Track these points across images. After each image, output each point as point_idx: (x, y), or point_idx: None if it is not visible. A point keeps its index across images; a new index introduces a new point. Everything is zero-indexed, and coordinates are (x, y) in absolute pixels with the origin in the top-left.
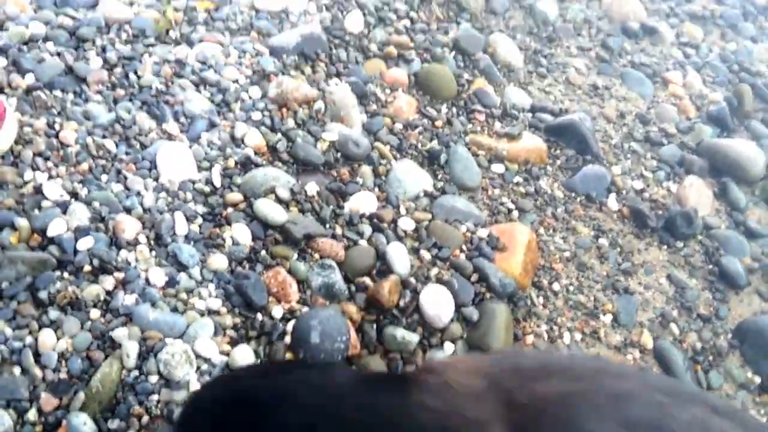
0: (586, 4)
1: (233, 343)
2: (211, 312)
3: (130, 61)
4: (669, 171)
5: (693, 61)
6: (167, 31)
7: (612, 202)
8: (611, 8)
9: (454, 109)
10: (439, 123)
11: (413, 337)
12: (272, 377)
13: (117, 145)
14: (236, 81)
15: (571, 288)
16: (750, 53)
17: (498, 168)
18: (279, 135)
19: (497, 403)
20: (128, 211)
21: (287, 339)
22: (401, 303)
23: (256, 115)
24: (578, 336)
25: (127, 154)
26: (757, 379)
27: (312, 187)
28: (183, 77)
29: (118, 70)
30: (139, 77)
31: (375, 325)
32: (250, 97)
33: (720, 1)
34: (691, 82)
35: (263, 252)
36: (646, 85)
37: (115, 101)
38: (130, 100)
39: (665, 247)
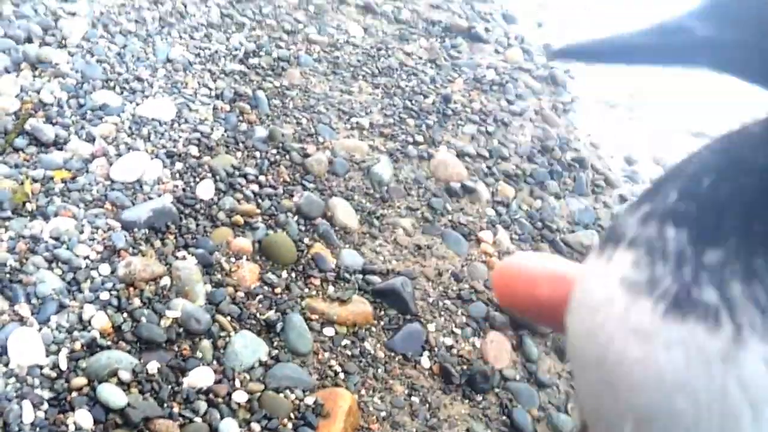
0: (416, 165)
1: None
2: None
3: None
4: (475, 327)
5: (503, 219)
6: (24, 203)
7: (425, 360)
8: (437, 169)
9: (293, 274)
10: (278, 290)
11: None
12: None
13: None
14: (87, 257)
15: None
16: (553, 209)
17: (329, 331)
18: (125, 315)
19: None
20: None
21: None
22: None
23: (104, 295)
24: None
25: None
26: None
27: (153, 366)
28: (37, 254)
29: None
30: None
31: None
32: (99, 275)
33: (531, 159)
34: (501, 240)
35: None
36: (461, 244)
37: None
38: None
39: (467, 401)
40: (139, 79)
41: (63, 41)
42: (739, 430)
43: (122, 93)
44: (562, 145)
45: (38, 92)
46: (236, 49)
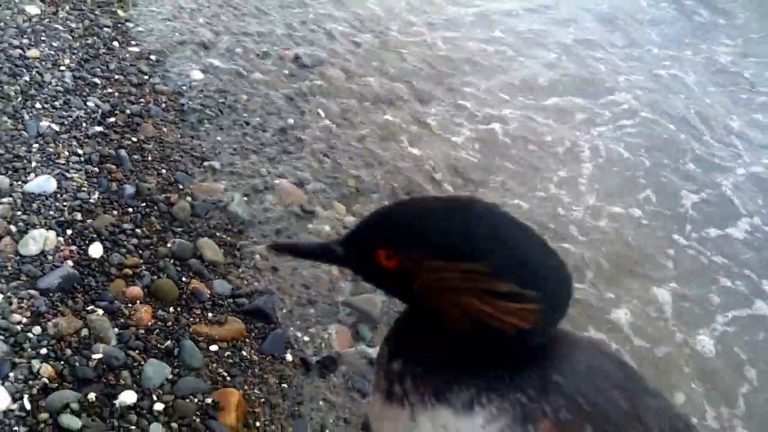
0: (265, 196)
1: None
2: None
3: None
4: (321, 321)
5: (337, 233)
6: None
7: (288, 356)
8: (282, 196)
9: (179, 308)
10: (169, 323)
11: None
12: None
13: None
14: (20, 323)
15: (266, 422)
16: None
17: (214, 348)
18: (62, 363)
19: None
20: None
21: None
22: None
23: (43, 350)
24: None
25: None
26: None
27: (92, 395)
28: None
29: None
30: None
31: None
32: (34, 335)
33: (359, 180)
34: None
35: None
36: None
37: None
38: None
39: (322, 379)
40: (18, 157)
41: None
42: None
43: (8, 173)
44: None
45: None
46: (94, 112)
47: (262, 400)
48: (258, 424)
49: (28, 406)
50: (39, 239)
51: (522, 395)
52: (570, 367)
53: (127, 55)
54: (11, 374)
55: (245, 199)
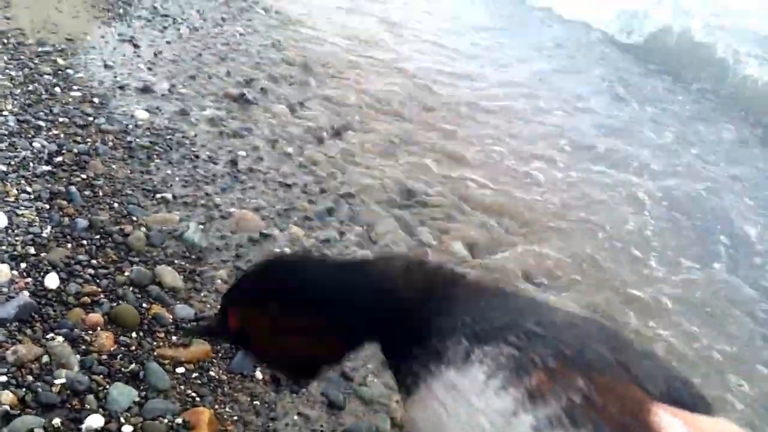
0: (220, 224)
1: None
2: None
3: None
4: None
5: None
6: None
7: (258, 374)
8: (239, 223)
9: (141, 333)
10: (133, 347)
11: None
12: None
13: None
14: None
15: None
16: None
17: (180, 369)
18: (24, 389)
19: None
20: None
21: None
22: None
23: (3, 378)
24: None
25: None
26: None
27: (57, 420)
28: None
29: None
30: None
31: None
32: None
33: (314, 204)
34: None
35: None
36: None
37: None
38: None
39: (294, 394)
40: None
41: None
42: None
43: None
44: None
45: None
46: (41, 152)
47: (235, 418)
48: None
49: None
50: None
51: (509, 347)
52: (543, 319)
53: (70, 99)
54: None
55: (201, 227)
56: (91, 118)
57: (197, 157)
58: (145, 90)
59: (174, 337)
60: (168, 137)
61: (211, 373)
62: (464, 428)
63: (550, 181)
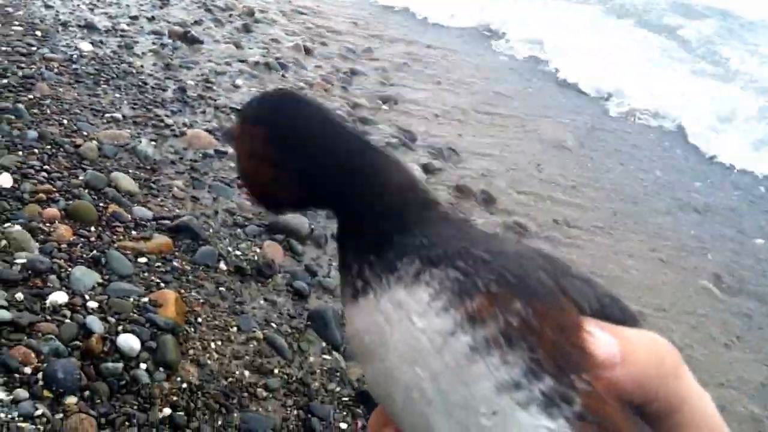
0: (173, 141)
1: None
2: None
3: None
4: (253, 239)
5: None
6: None
7: (222, 265)
8: (192, 141)
9: (100, 228)
10: (92, 239)
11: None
12: None
13: None
14: None
15: (208, 318)
16: None
17: (143, 260)
18: None
19: None
20: None
21: None
22: (104, 348)
23: None
24: (228, 351)
25: None
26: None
27: (20, 295)
28: None
29: None
30: None
31: None
32: None
33: None
34: None
35: None
36: (228, 190)
37: None
38: None
39: (259, 284)
40: None
41: None
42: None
43: None
44: None
45: None
46: None
47: (201, 301)
48: (200, 320)
49: None
50: None
51: (456, 271)
52: (493, 248)
53: (12, 33)
54: None
55: (153, 143)
56: (34, 48)
57: (145, 83)
58: (88, 27)
59: (134, 233)
60: (114, 66)
61: (175, 264)
62: (405, 347)
63: None
